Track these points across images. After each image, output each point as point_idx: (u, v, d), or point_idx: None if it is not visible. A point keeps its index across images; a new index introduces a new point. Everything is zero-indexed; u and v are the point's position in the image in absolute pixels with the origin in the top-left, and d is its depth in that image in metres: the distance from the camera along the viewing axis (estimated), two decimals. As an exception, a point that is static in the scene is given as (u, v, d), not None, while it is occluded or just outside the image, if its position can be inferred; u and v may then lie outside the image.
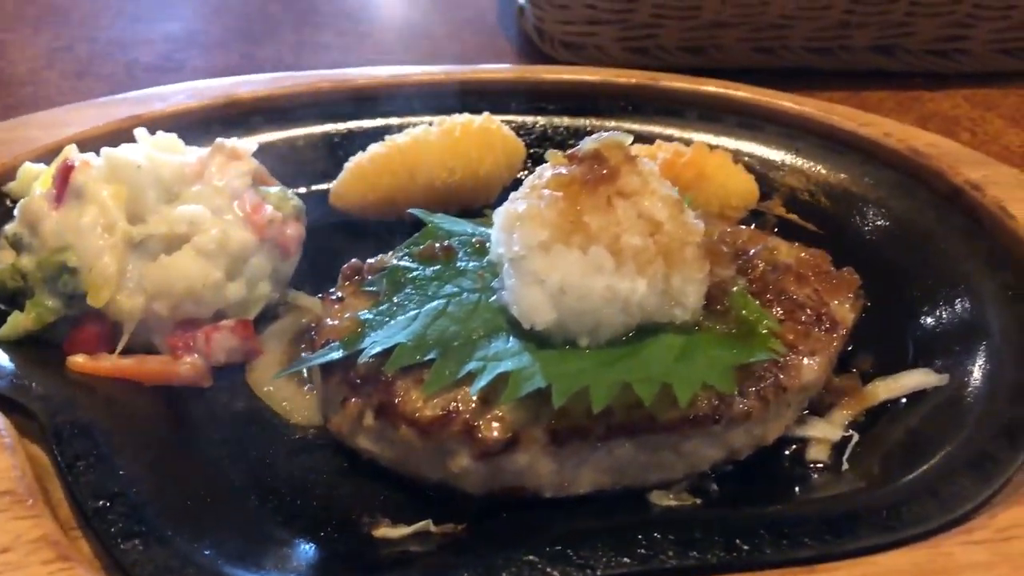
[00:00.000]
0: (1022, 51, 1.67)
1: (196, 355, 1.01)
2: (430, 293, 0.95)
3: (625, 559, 0.75)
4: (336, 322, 0.95)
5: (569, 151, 0.91)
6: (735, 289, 0.93)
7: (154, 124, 1.23)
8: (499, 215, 0.92)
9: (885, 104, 1.64)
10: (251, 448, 0.95)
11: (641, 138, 1.24)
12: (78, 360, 0.99)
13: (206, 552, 0.78)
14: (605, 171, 0.87)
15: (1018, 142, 1.53)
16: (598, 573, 0.75)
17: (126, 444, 0.88)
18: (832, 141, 1.27)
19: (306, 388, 1.00)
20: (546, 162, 0.92)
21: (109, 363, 0.99)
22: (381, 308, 0.94)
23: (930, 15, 1.61)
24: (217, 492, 0.89)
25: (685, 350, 0.87)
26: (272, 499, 0.89)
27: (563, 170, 0.89)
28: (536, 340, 0.87)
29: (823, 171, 1.25)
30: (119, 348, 1.01)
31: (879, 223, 1.19)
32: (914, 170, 1.21)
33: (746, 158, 1.26)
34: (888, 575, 0.74)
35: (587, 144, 0.90)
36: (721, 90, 1.34)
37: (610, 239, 0.85)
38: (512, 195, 0.93)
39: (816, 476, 0.91)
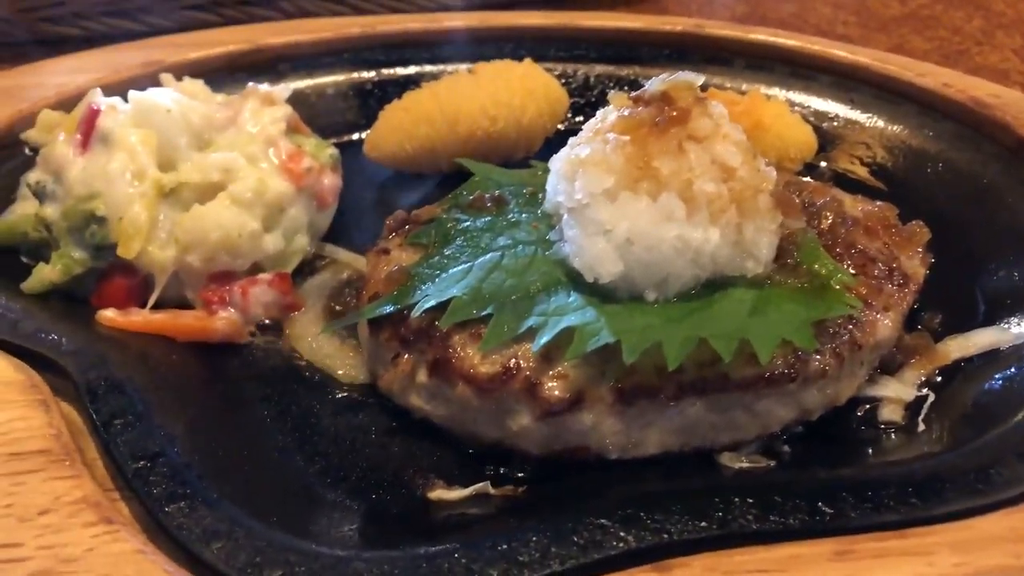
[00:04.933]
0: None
1: (232, 310, 0.99)
2: (483, 245, 0.90)
3: (702, 523, 0.71)
4: (383, 275, 0.91)
5: (634, 93, 0.85)
6: (806, 241, 0.88)
7: (175, 71, 1.18)
8: (557, 161, 0.88)
9: (930, 58, 1.59)
10: (293, 407, 0.91)
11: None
12: (108, 314, 0.96)
13: (253, 515, 0.74)
14: (675, 113, 0.82)
15: None
16: (675, 537, 0.70)
17: (163, 402, 0.85)
18: (888, 92, 1.22)
19: (349, 344, 0.96)
20: (596, 110, 0.87)
21: (140, 318, 0.96)
22: (431, 260, 0.90)
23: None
24: (261, 453, 0.85)
25: (757, 305, 0.82)
26: (319, 460, 0.85)
27: (629, 112, 0.83)
28: (599, 294, 0.83)
29: (880, 123, 1.21)
30: (150, 302, 0.98)
31: (941, 176, 1.15)
32: (976, 122, 1.16)
33: (799, 109, 1.21)
34: (985, 540, 0.70)
35: (654, 84, 0.84)
36: (770, 38, 1.28)
37: (682, 185, 0.80)
38: (571, 140, 0.88)
39: (890, 437, 0.87)
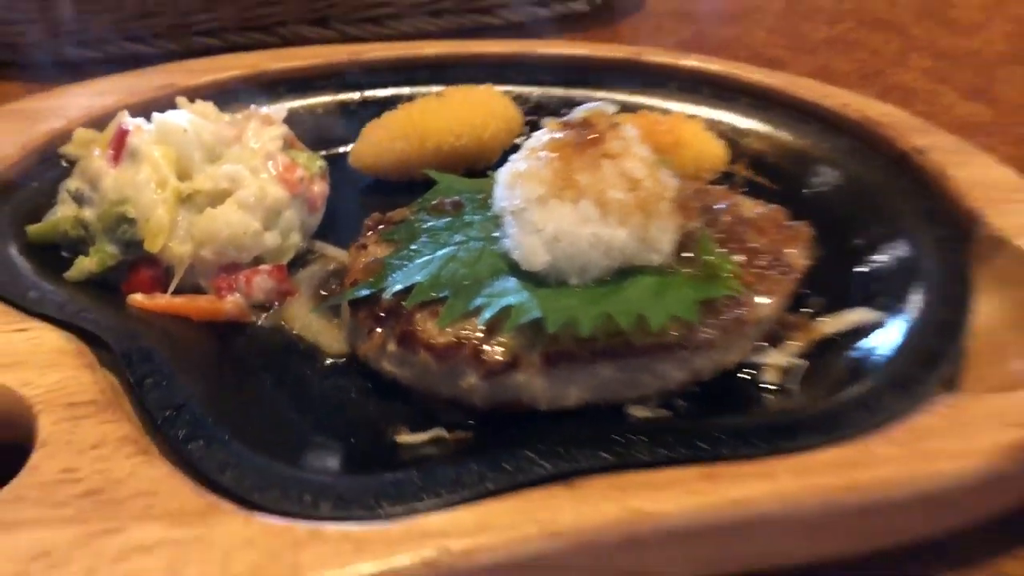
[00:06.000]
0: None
1: (238, 294, 1.13)
2: (442, 241, 1.09)
3: (607, 455, 0.88)
4: (361, 266, 1.10)
5: (563, 119, 1.06)
6: (702, 238, 1.08)
7: (188, 93, 1.36)
8: (502, 174, 1.07)
9: (851, 77, 1.79)
10: (289, 373, 1.07)
11: (626, 107, 1.40)
12: (137, 298, 1.11)
13: (256, 452, 0.91)
14: (593, 136, 1.02)
15: (966, 112, 1.68)
16: (583, 464, 0.87)
17: (183, 368, 1.01)
18: (796, 111, 1.42)
19: (335, 322, 1.14)
20: (542, 128, 1.08)
21: (164, 301, 1.11)
22: (401, 253, 1.09)
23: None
24: (262, 408, 1.03)
25: (659, 289, 1.00)
26: (309, 413, 1.02)
27: (557, 135, 1.04)
28: (533, 280, 1.00)
29: (788, 137, 1.40)
30: (171, 288, 1.13)
31: (835, 183, 1.33)
32: (868, 137, 1.35)
33: (720, 126, 1.41)
34: (822, 466, 0.86)
35: (578, 112, 1.05)
36: (698, 64, 1.48)
37: (596, 194, 0.98)
38: (512, 157, 1.07)
39: (768, 396, 1.05)
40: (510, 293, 1.00)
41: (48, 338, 1.01)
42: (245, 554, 0.78)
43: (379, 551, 0.79)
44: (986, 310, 1.12)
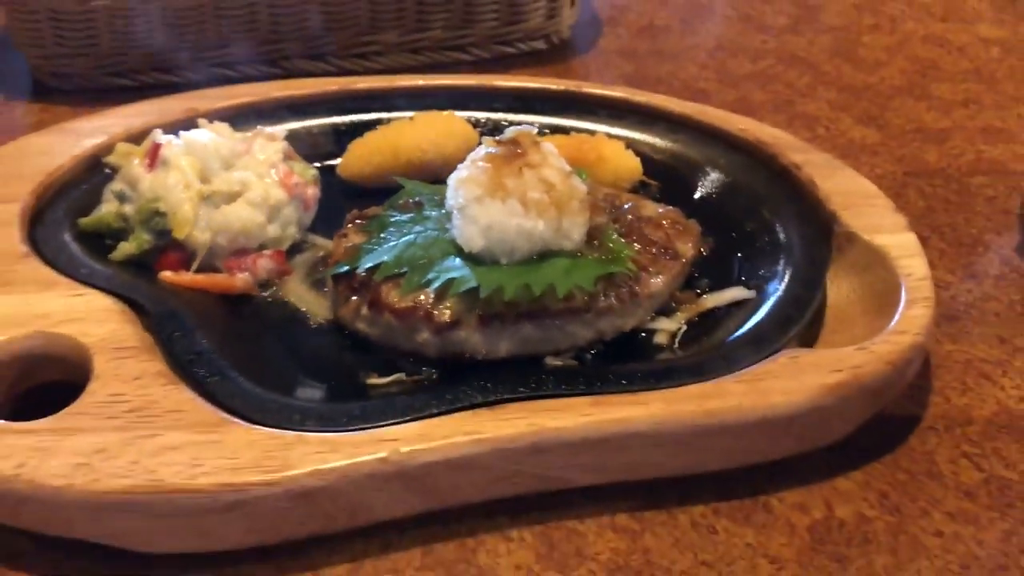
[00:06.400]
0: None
1: (246, 273, 1.33)
2: (405, 231, 1.35)
3: (522, 389, 1.14)
4: (342, 249, 1.38)
5: (496, 137, 1.37)
6: (606, 230, 1.38)
7: (208, 116, 1.62)
8: (451, 178, 1.35)
9: (765, 107, 2.06)
10: (284, 334, 1.27)
11: (562, 129, 1.70)
12: (167, 275, 1.30)
13: (260, 387, 1.17)
14: (518, 151, 1.32)
15: (859, 136, 1.95)
16: (504, 396, 1.08)
17: (203, 327, 1.19)
18: (703, 133, 1.70)
19: (321, 295, 1.34)
20: (482, 145, 1.38)
21: (188, 277, 1.31)
22: (372, 240, 1.36)
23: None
24: (263, 359, 1.27)
25: (569, 267, 1.20)
26: (300, 362, 1.21)
27: (492, 150, 1.34)
28: (473, 260, 1.20)
29: (693, 154, 1.68)
30: (193, 267, 1.32)
31: (731, 191, 1.60)
32: (757, 154, 1.63)
33: (639, 144, 1.68)
34: (685, 397, 1.09)
35: (507, 133, 1.35)
36: (624, 95, 1.77)
37: (520, 195, 1.17)
38: (459, 166, 1.37)
39: (658, 352, 1.32)
40: (454, 269, 1.19)
41: (99, 301, 1.21)
42: (248, 451, 1.00)
43: (347, 451, 1.06)
44: (840, 290, 1.42)
